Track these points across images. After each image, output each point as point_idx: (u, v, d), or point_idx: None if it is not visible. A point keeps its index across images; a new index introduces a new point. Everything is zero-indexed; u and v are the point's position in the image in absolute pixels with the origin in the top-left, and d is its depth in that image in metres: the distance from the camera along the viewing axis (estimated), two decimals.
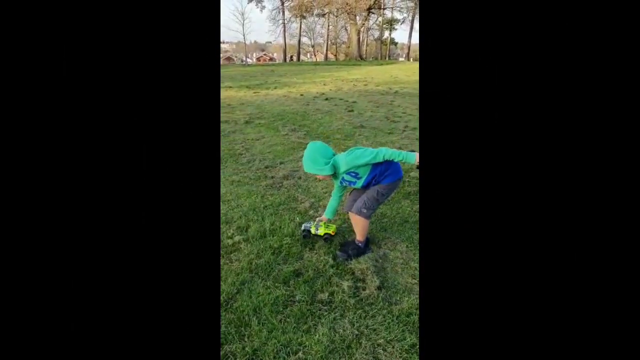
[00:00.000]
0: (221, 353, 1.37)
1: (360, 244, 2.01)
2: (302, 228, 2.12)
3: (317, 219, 2.18)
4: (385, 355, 1.35)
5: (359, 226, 1.98)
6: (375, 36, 43.69)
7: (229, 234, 2.25)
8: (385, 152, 1.77)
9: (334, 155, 1.90)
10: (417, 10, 37.63)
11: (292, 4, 38.42)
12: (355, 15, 36.94)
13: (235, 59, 56.53)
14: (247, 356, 1.35)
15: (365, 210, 1.92)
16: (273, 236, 2.22)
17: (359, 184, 1.93)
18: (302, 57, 43.63)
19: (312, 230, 2.09)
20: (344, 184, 1.98)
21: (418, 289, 1.72)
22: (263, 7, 42.39)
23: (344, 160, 1.84)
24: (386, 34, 42.54)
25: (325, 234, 2.07)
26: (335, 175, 1.91)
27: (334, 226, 2.13)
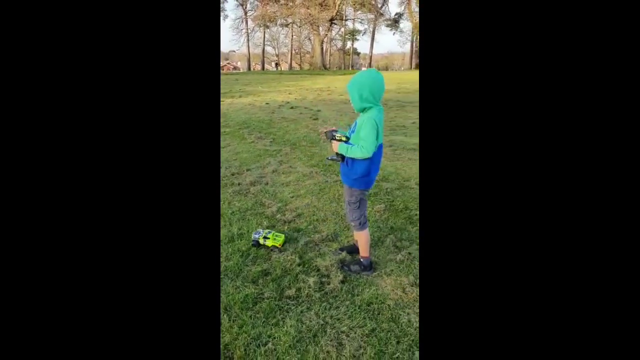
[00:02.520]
0: None
1: (363, 261, 1.94)
2: (252, 238, 2.20)
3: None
4: (348, 341, 1.47)
5: (358, 240, 1.98)
6: (338, 46, 44.76)
7: None
8: (360, 145, 1.67)
9: (377, 101, 1.69)
10: (377, 22, 39.14)
11: (255, 14, 38.51)
12: (318, 26, 37.69)
13: None
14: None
15: (353, 223, 1.90)
16: (241, 240, 2.29)
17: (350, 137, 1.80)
18: (266, 66, 43.68)
19: (261, 241, 2.17)
20: (350, 127, 1.85)
21: (378, 282, 1.87)
22: (226, 16, 42.09)
23: (370, 118, 1.65)
24: (348, 44, 43.74)
25: (272, 245, 2.15)
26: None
27: (282, 237, 2.21)
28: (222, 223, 2.53)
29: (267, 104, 9.29)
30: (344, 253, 2.10)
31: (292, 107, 8.52)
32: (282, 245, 2.17)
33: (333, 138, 1.81)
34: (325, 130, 1.87)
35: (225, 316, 1.61)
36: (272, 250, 2.14)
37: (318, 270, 1.96)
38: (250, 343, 1.46)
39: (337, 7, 35.85)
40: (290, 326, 1.54)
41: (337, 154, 1.82)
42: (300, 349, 1.43)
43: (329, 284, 1.84)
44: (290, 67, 42.00)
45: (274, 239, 2.17)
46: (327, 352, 1.42)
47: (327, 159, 1.98)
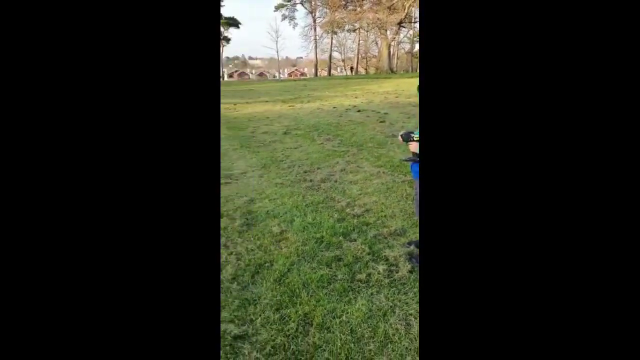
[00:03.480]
0: (277, 316, 1.67)
1: None
2: None
3: None
4: (416, 322, 1.59)
5: None
6: (406, 49, 43.85)
7: (277, 225, 2.58)
8: None
9: None
10: None
11: (323, 21, 39.64)
12: (386, 30, 37.42)
13: (267, 74, 58.74)
14: (300, 317, 1.64)
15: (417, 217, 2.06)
16: (315, 228, 2.52)
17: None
18: (332, 71, 44.53)
19: None
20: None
21: None
22: (295, 25, 44.11)
23: None
24: (417, 46, 42.63)
25: None
26: None
27: None
28: (297, 213, 2.79)
29: (334, 107, 9.59)
30: (412, 247, 2.21)
31: (359, 111, 8.69)
32: None
33: (410, 139, 1.93)
34: (401, 133, 2.01)
35: (304, 291, 1.83)
36: None
37: (387, 259, 2.10)
38: (327, 314, 1.65)
39: (406, 9, 35.23)
40: (362, 304, 1.71)
41: (413, 154, 1.94)
42: (371, 324, 1.59)
43: (397, 272, 1.96)
44: (357, 71, 42.28)
45: None
46: (396, 329, 1.55)
47: (402, 159, 2.09)
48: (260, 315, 1.67)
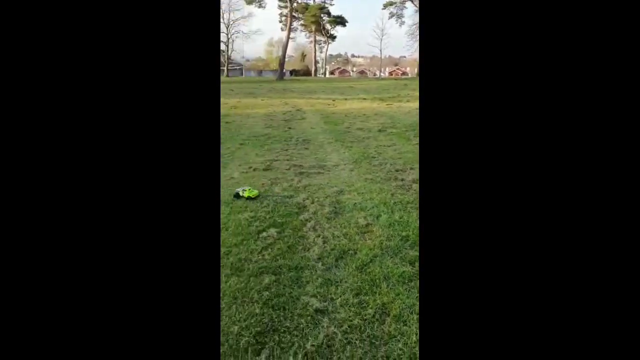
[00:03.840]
0: (357, 300, 1.75)
1: None
2: (235, 192, 3.07)
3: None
4: None
5: None
6: None
7: (363, 217, 2.66)
8: None
9: None
10: None
11: None
12: None
13: (368, 72, 58.94)
14: (378, 306, 1.69)
15: None
16: (401, 227, 2.52)
17: None
18: None
19: (240, 193, 3.04)
20: None
21: None
22: (402, 23, 43.17)
23: None
24: None
25: (248, 196, 3.01)
26: None
27: (256, 192, 3.10)
28: (384, 209, 2.82)
29: None
30: None
31: None
32: (256, 197, 3.06)
33: (238, 195, 2.05)
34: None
35: (384, 283, 1.87)
36: (248, 199, 3.02)
37: None
38: (405, 309, 1.67)
39: None
40: None
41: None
42: None
43: None
44: None
45: (250, 191, 3.10)
46: None
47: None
48: (340, 296, 1.77)
